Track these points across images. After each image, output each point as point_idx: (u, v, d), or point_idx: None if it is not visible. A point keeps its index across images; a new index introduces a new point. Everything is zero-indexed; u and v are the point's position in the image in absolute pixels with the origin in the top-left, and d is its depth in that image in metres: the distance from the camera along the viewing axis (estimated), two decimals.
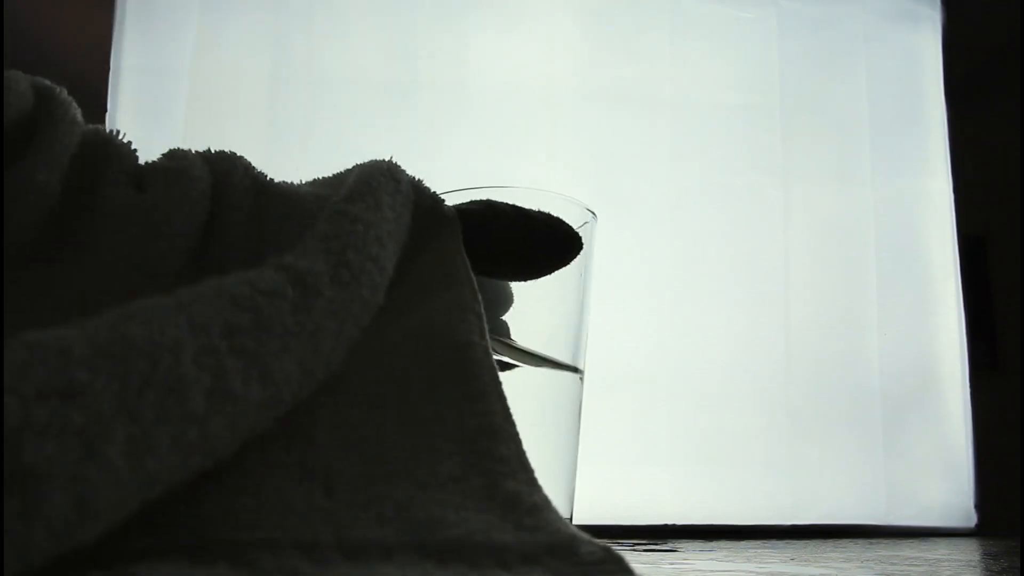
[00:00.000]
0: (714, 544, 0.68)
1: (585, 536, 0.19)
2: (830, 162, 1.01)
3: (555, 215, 0.34)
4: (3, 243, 0.23)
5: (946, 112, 1.04)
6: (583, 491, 0.48)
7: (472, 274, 0.29)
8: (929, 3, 1.07)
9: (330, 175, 0.34)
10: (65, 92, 0.26)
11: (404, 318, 0.27)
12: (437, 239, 0.31)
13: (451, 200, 0.47)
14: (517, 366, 0.40)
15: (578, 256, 0.47)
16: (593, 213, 0.48)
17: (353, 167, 0.32)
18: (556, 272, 0.46)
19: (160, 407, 0.16)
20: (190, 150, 0.29)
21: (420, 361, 0.25)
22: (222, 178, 0.29)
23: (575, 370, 0.47)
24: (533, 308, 0.46)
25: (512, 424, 0.24)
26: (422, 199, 0.31)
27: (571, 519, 0.47)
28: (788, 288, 0.96)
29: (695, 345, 0.93)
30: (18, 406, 0.14)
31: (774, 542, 0.74)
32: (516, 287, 0.45)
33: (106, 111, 0.92)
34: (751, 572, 0.41)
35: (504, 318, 0.45)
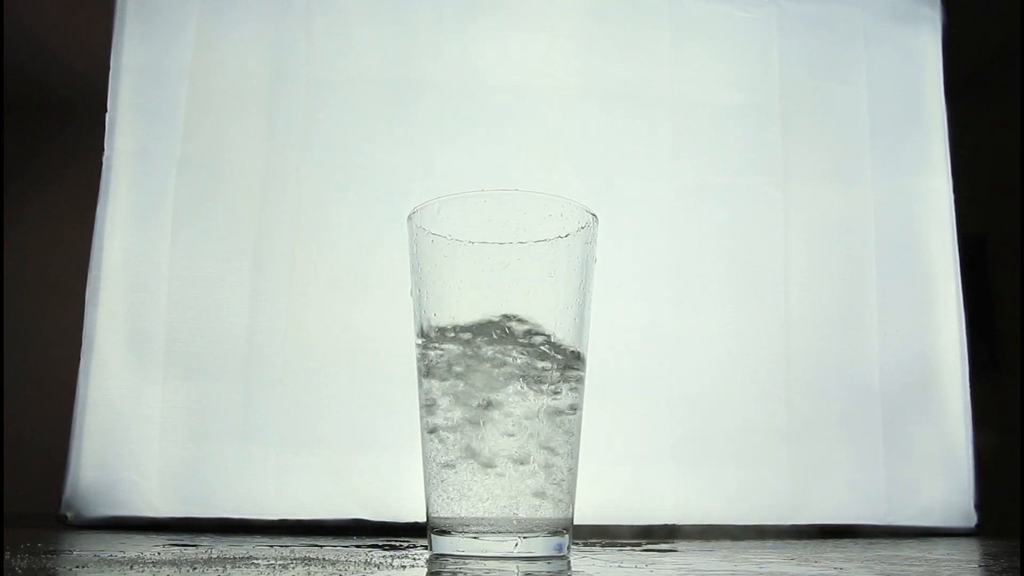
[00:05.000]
0: (714, 544, 0.68)
1: None
2: (830, 162, 1.01)
3: None
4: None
5: (946, 112, 1.04)
6: (583, 491, 0.48)
7: None
8: (929, 3, 1.07)
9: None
10: None
11: None
12: None
13: (451, 202, 0.47)
14: None
15: (580, 256, 0.47)
16: (594, 215, 0.48)
17: None
18: (557, 273, 0.46)
19: None
20: None
21: None
22: None
23: (577, 356, 0.47)
24: (538, 308, 0.46)
25: None
26: None
27: (572, 519, 0.47)
28: (788, 288, 0.96)
29: (695, 345, 0.93)
30: None
31: (774, 542, 0.74)
32: (521, 288, 0.45)
33: (106, 111, 0.92)
34: (751, 572, 0.41)
35: (509, 318, 0.45)
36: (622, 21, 1.00)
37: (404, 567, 0.42)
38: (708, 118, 0.99)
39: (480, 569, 0.39)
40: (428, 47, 0.96)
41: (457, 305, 0.46)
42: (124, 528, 0.81)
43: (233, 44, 0.95)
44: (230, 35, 0.95)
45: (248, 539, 0.66)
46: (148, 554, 0.46)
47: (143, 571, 0.36)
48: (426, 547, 0.52)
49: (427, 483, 0.47)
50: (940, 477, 0.95)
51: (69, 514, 0.83)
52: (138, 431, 0.85)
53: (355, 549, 0.54)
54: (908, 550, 0.62)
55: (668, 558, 0.51)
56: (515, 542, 0.44)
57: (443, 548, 0.45)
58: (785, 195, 0.98)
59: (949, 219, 1.02)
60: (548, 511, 0.45)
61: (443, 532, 0.45)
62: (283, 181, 0.92)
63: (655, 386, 0.91)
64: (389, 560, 0.46)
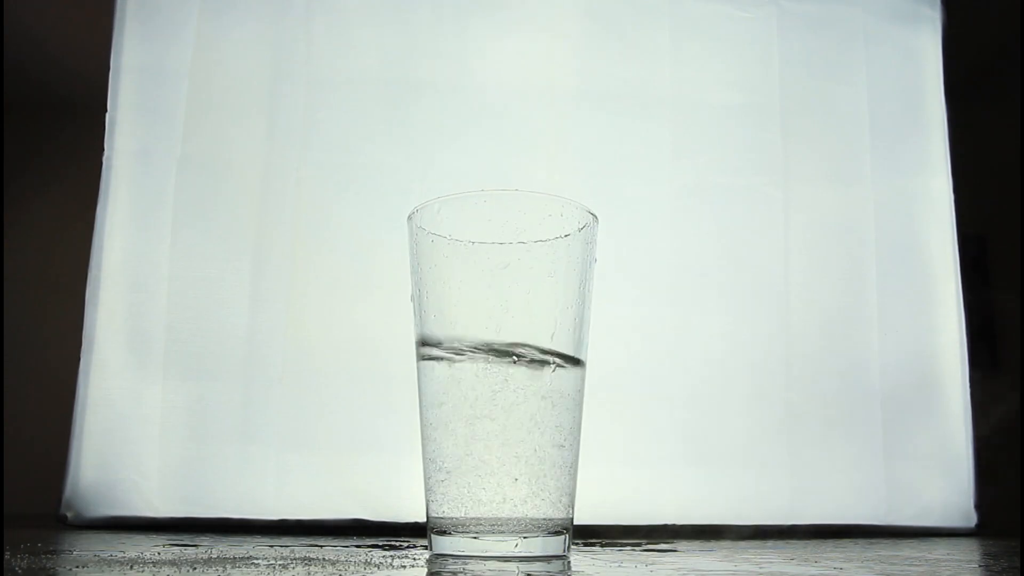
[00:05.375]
0: (714, 544, 0.68)
1: None
2: (830, 162, 1.01)
3: None
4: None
5: (946, 112, 1.04)
6: (583, 491, 0.48)
7: None
8: (929, 3, 1.07)
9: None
10: None
11: None
12: None
13: (451, 202, 0.47)
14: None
15: (580, 256, 0.47)
16: (594, 215, 0.48)
17: None
18: (557, 273, 0.46)
19: None
20: None
21: None
22: None
23: (577, 362, 0.47)
24: (538, 307, 0.46)
25: None
26: None
27: (572, 519, 0.47)
28: (788, 288, 0.96)
29: (695, 345, 0.93)
30: None
31: (774, 542, 0.74)
32: (521, 288, 0.45)
33: (106, 111, 0.92)
34: (751, 572, 0.41)
35: (510, 318, 0.45)
36: (622, 21, 1.00)
37: (404, 567, 0.42)
38: (708, 118, 0.99)
39: (480, 569, 0.39)
40: (428, 47, 0.96)
41: (457, 305, 0.46)
42: (124, 528, 0.81)
43: (233, 44, 0.95)
44: (230, 35, 0.95)
45: (248, 539, 0.66)
46: (148, 554, 0.46)
47: (143, 571, 0.36)
48: (426, 547, 0.52)
49: (427, 483, 0.47)
50: (940, 477, 0.95)
51: (69, 514, 0.83)
52: (138, 431, 0.85)
53: (355, 549, 0.54)
54: (908, 550, 0.62)
55: (668, 558, 0.51)
56: (515, 542, 0.44)
57: (443, 548, 0.45)
58: (785, 195, 0.98)
59: (949, 219, 1.02)
60: (548, 511, 0.45)
61: (443, 532, 0.45)
62: (283, 181, 0.92)
63: (655, 386, 0.91)
64: (389, 560, 0.46)
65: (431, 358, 0.47)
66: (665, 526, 0.87)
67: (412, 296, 0.49)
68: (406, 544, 0.60)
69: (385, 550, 0.54)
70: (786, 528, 0.89)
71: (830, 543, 0.72)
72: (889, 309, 0.98)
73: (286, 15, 0.96)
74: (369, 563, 0.44)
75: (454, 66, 0.97)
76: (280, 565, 0.40)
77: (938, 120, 1.04)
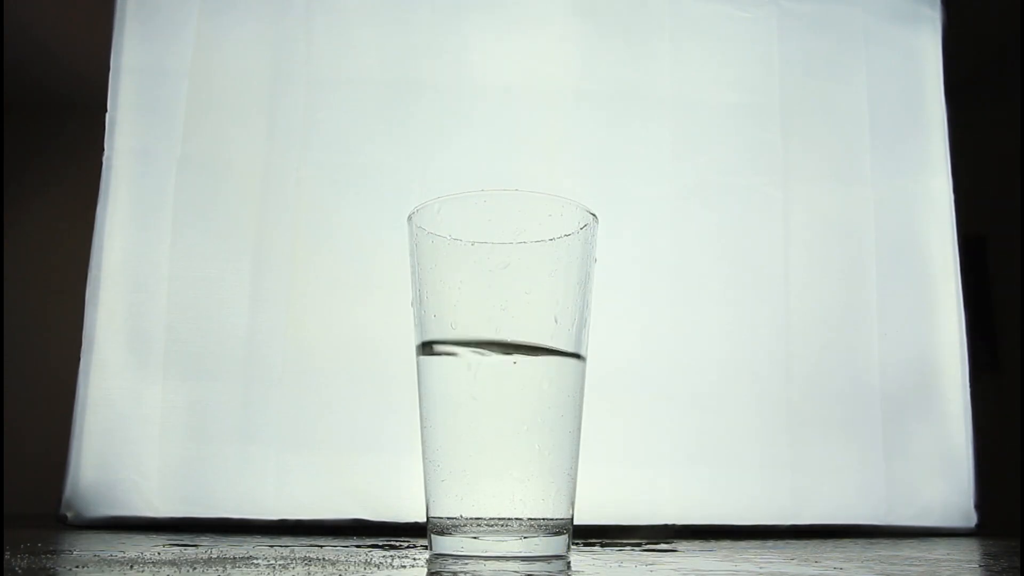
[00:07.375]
0: (714, 544, 0.68)
1: None
2: (830, 162, 1.01)
3: None
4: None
5: (946, 112, 1.04)
6: (583, 491, 0.48)
7: None
8: (929, 3, 1.07)
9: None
10: None
11: None
12: None
13: (451, 202, 0.47)
14: None
15: (580, 256, 0.47)
16: (594, 215, 0.48)
17: None
18: (557, 273, 0.46)
19: None
20: None
21: None
22: None
23: (576, 356, 0.47)
24: (537, 307, 0.46)
25: None
26: None
27: (572, 519, 0.47)
28: (788, 288, 0.96)
29: (695, 345, 0.93)
30: None
31: (774, 542, 0.74)
32: (521, 288, 0.45)
33: (106, 111, 0.92)
34: (751, 572, 0.41)
35: (510, 317, 0.45)
36: (622, 21, 1.00)
37: (404, 567, 0.42)
38: (708, 118, 0.99)
39: (480, 569, 0.39)
40: (428, 47, 0.96)
41: (457, 306, 0.46)
42: (124, 528, 0.81)
43: (233, 44, 0.95)
44: (230, 35, 0.95)
45: (248, 539, 0.66)
46: (148, 554, 0.46)
47: (143, 571, 0.36)
48: (426, 547, 0.52)
49: (427, 483, 0.47)
50: (940, 477, 0.95)
51: (69, 514, 0.83)
52: (138, 431, 0.85)
53: (355, 549, 0.54)
54: (908, 550, 0.62)
55: (668, 558, 0.51)
56: (516, 542, 0.44)
57: (443, 548, 0.45)
58: (785, 195, 0.98)
59: (949, 219, 1.02)
60: (548, 511, 0.45)
61: (443, 532, 0.45)
62: (283, 181, 0.92)
63: (654, 386, 0.91)
64: (389, 560, 0.46)
65: (431, 358, 0.47)
66: (665, 526, 0.87)
67: (412, 301, 0.49)
68: (406, 544, 0.60)
69: (385, 550, 0.54)
70: (786, 528, 0.89)
71: (830, 543, 0.73)
72: (889, 309, 0.98)
73: (286, 15, 0.96)
74: (369, 563, 0.44)
75: (454, 66, 0.97)
76: (280, 565, 0.40)
77: (938, 120, 1.04)
